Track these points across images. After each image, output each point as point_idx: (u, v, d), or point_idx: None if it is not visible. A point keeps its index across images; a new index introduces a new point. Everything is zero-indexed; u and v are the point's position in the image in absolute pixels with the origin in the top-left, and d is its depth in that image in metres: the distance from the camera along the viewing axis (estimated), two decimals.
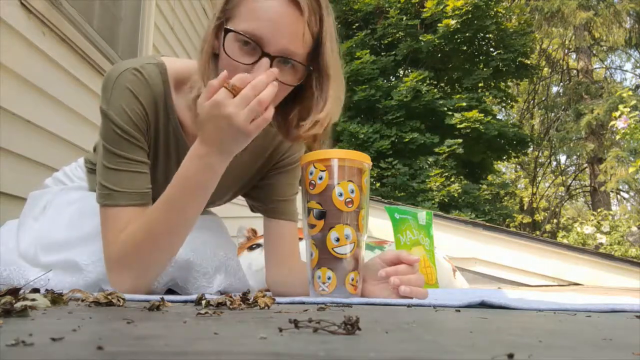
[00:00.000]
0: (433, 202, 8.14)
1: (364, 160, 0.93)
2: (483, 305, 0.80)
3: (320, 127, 0.97)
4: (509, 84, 11.56)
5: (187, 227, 0.96)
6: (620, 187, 11.97)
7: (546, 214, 15.03)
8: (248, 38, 0.90)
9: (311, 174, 0.91)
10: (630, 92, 5.50)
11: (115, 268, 0.95)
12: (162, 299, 0.65)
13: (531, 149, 13.13)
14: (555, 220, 14.26)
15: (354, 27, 10.48)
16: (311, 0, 0.93)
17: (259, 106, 0.85)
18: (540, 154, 15.19)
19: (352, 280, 0.91)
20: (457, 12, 9.16)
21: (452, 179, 8.95)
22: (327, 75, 0.97)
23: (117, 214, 0.95)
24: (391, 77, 10.57)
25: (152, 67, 1.00)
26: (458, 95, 9.50)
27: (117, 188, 0.95)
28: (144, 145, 0.99)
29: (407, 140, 8.90)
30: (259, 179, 1.22)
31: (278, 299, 0.78)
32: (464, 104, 9.14)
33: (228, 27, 0.92)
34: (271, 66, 0.90)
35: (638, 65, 15.34)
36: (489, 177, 10.62)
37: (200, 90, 0.94)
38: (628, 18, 11.44)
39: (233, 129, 0.85)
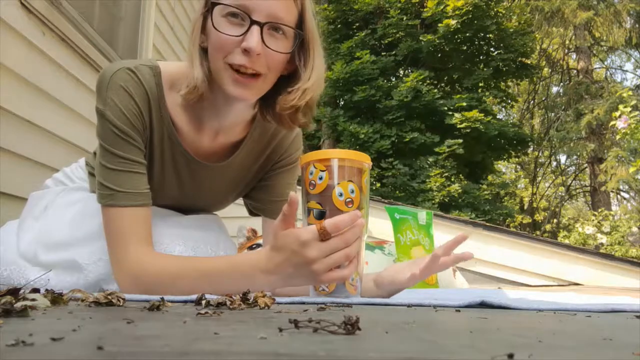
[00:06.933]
0: (433, 202, 8.15)
1: (364, 160, 0.93)
2: (483, 305, 0.80)
3: (306, 96, 0.97)
4: (509, 84, 11.57)
5: (211, 291, 0.87)
6: (621, 187, 11.98)
7: (546, 214, 15.04)
8: (235, 7, 0.90)
9: (311, 174, 0.91)
10: (631, 92, 5.49)
11: (123, 276, 0.94)
12: (162, 299, 0.65)
13: (531, 149, 13.15)
14: (555, 220, 14.26)
15: (354, 27, 10.48)
16: None
17: (345, 259, 0.83)
18: (540, 154, 15.20)
19: (352, 280, 0.91)
20: (457, 12, 9.18)
21: (453, 179, 8.95)
22: (310, 46, 0.98)
23: (121, 214, 0.95)
24: (391, 77, 10.58)
25: (146, 69, 1.00)
26: (458, 95, 9.51)
27: (120, 189, 0.95)
28: (141, 145, 1.00)
29: (407, 140, 8.91)
30: (258, 180, 1.23)
31: (278, 299, 0.78)
32: (464, 104, 9.15)
33: (214, 1, 0.92)
34: (262, 34, 0.90)
35: (638, 65, 15.35)
36: (489, 177, 10.63)
37: (191, 83, 0.93)
38: (628, 18, 11.45)
39: (307, 271, 0.82)
